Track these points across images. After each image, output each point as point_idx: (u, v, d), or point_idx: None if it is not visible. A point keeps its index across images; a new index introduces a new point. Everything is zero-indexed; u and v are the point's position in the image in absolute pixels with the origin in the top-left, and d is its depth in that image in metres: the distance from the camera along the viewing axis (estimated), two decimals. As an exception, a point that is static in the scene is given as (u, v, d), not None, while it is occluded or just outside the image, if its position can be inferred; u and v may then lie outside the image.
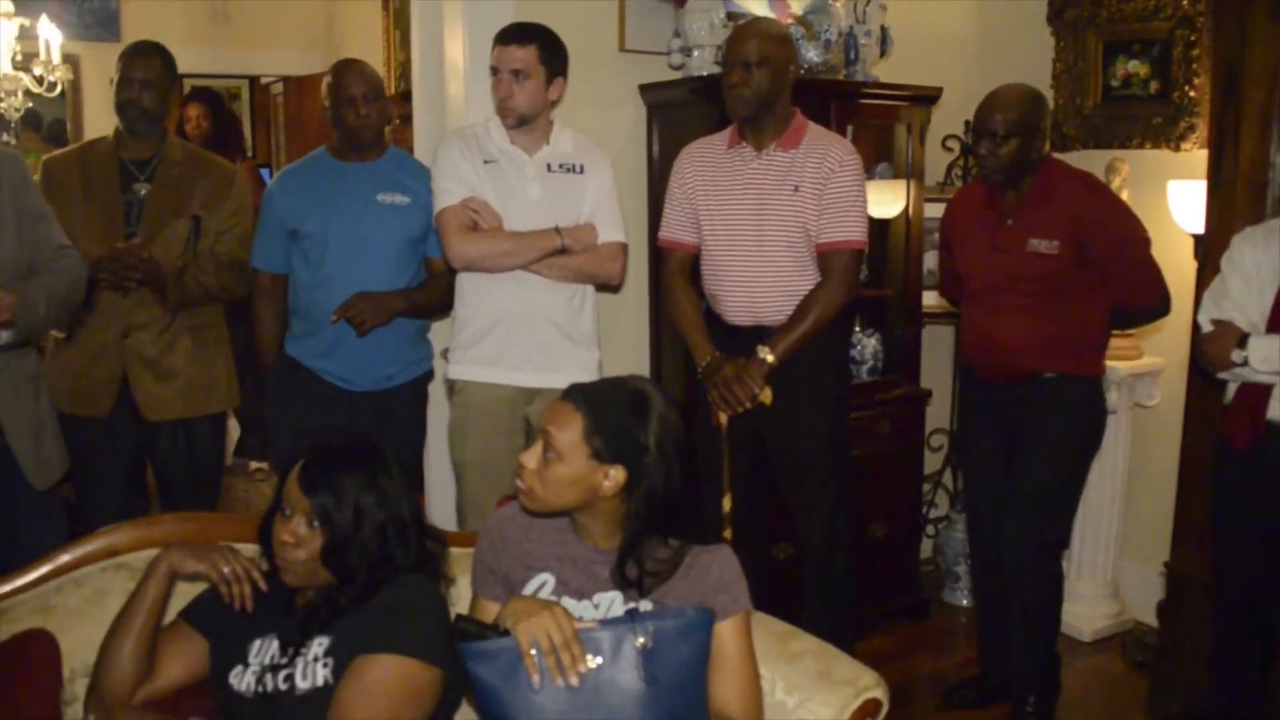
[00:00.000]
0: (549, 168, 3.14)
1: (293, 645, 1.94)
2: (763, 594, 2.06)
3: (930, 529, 4.60)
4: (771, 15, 3.57)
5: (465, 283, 3.14)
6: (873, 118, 3.97)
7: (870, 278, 3.99)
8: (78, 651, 2.07)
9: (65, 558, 2.20)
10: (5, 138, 5.94)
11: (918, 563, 4.36)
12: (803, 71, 3.54)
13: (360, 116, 3.27)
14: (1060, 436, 3.26)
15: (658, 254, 3.45)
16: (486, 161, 3.11)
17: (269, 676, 1.93)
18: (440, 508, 3.64)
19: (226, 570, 1.97)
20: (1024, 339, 3.20)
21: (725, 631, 1.96)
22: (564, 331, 3.13)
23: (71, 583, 2.18)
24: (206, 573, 1.97)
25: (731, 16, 3.63)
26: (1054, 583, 3.36)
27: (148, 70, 3.29)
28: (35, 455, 2.61)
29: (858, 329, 4.02)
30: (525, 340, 3.10)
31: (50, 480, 2.67)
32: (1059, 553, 3.44)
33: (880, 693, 2.11)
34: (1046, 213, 3.16)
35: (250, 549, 2.09)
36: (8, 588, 2.14)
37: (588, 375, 2.81)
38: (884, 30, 3.97)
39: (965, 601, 4.34)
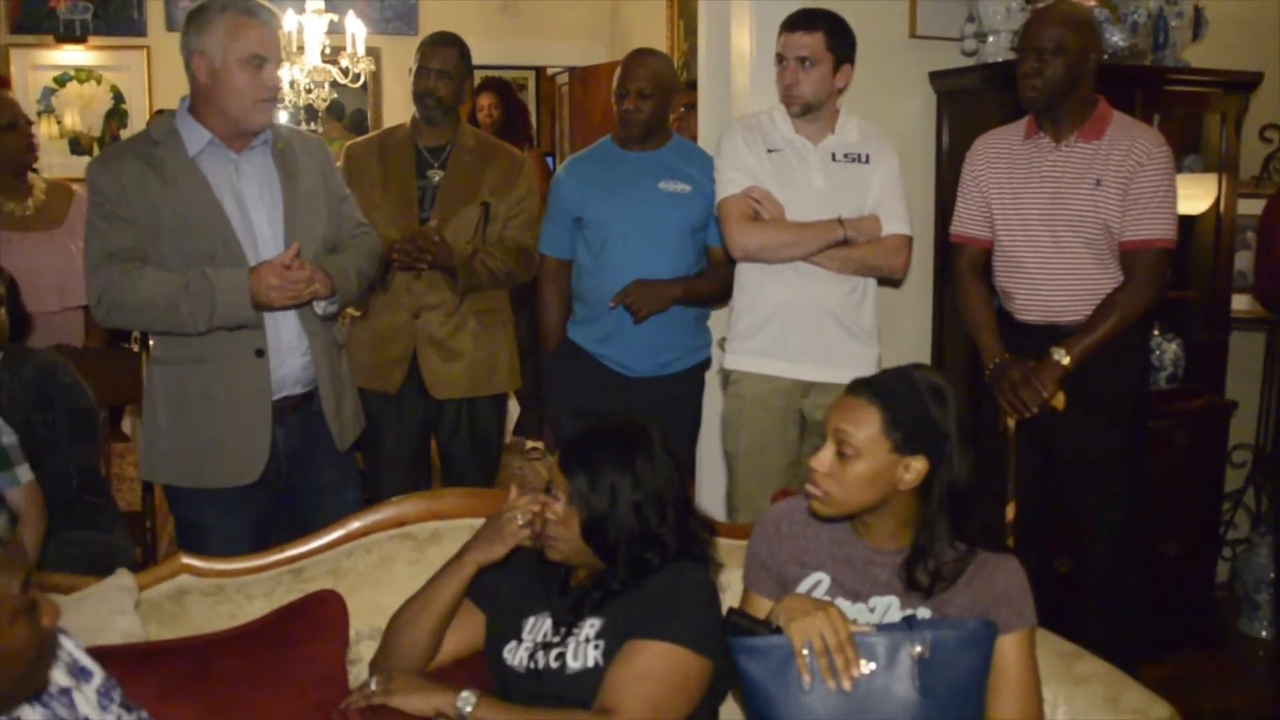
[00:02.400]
0: (834, 157, 3.08)
1: (565, 625, 1.98)
2: (1041, 609, 1.95)
3: (1227, 551, 4.28)
4: (1074, -3, 3.38)
5: (744, 272, 3.12)
6: (1182, 106, 3.71)
7: (1173, 278, 3.71)
8: (363, 614, 2.15)
9: (356, 524, 2.31)
10: (313, 126, 6.34)
11: (1213, 587, 4.07)
12: (1106, 56, 3.33)
13: (625, 110, 3.32)
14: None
15: (943, 248, 3.33)
16: (770, 150, 3.08)
17: (541, 654, 1.96)
18: (710, 497, 3.64)
19: (521, 520, 1.99)
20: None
21: (1007, 647, 1.88)
22: (843, 325, 3.07)
23: (361, 548, 2.28)
24: (511, 548, 2.01)
25: (1030, -1, 3.47)
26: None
27: (444, 60, 3.42)
28: (337, 416, 2.77)
29: (1156, 333, 3.77)
30: (803, 332, 3.06)
31: (347, 441, 2.83)
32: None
33: (1175, 727, 1.97)
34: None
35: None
36: (305, 548, 2.27)
37: (866, 371, 2.73)
38: (1198, 11, 3.71)
39: (1265, 633, 4.02)
